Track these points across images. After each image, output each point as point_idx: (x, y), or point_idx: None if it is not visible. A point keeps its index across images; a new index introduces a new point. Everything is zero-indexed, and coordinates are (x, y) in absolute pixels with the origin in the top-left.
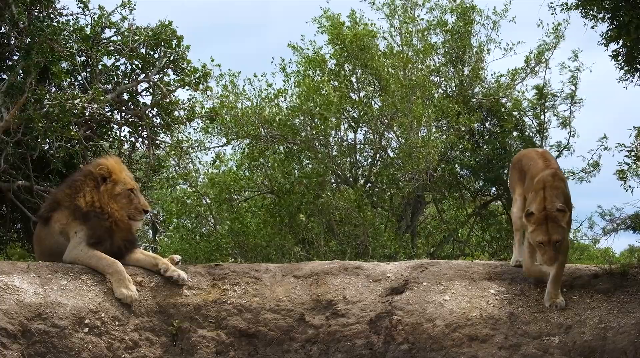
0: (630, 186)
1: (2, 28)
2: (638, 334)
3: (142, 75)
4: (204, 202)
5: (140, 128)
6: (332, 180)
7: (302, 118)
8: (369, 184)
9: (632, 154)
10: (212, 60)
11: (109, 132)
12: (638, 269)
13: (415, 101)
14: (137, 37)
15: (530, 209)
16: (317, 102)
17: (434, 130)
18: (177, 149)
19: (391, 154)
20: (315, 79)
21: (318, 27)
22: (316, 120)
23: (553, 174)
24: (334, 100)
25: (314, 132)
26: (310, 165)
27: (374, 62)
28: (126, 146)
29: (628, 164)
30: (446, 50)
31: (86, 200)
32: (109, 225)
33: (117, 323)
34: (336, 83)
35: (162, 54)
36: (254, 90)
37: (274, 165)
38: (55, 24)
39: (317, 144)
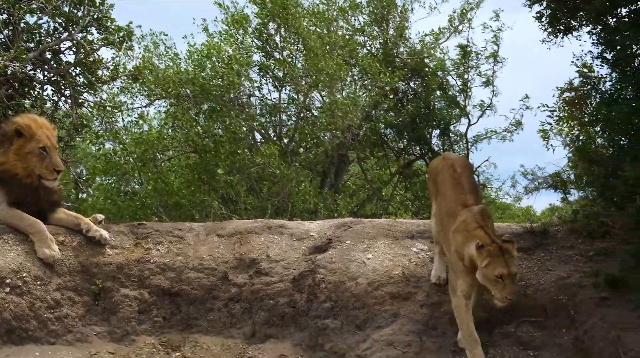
0: (552, 145)
1: None
2: (558, 291)
3: (65, 34)
4: (130, 160)
5: (63, 87)
6: (255, 138)
7: (222, 77)
8: (292, 143)
9: (554, 114)
10: (131, 23)
11: (31, 91)
12: (558, 228)
13: (335, 60)
14: None
15: (480, 242)
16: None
17: (357, 88)
18: (100, 108)
19: (315, 113)
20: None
21: None
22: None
23: (482, 211)
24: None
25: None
26: (232, 124)
27: (295, 22)
28: (49, 105)
29: (550, 124)
30: (371, 10)
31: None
32: (29, 185)
33: (39, 282)
34: (259, 42)
35: (85, 12)
36: (169, 49)
37: (195, 124)
38: None
39: (236, 104)
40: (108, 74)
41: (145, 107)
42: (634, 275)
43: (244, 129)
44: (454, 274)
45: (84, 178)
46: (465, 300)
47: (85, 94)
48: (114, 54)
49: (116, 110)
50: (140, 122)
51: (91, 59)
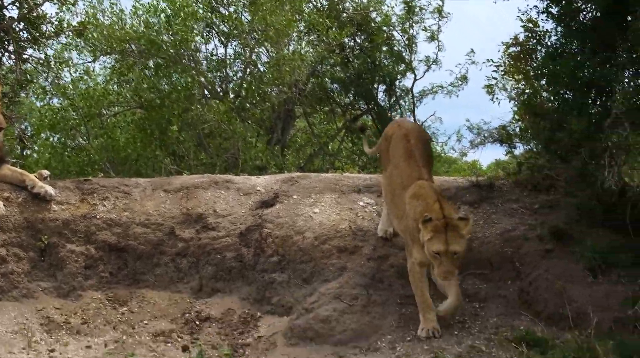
0: (497, 98)
1: None
2: (503, 244)
3: None
4: (74, 115)
5: (6, 42)
6: (204, 94)
7: (169, 33)
8: (239, 98)
9: (500, 69)
10: None
11: None
12: (504, 181)
13: (284, 15)
14: None
15: (429, 215)
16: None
17: (304, 44)
18: (45, 64)
19: (261, 69)
20: None
21: None
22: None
23: (440, 190)
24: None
25: (179, 46)
26: (181, 80)
27: None
28: None
29: (495, 79)
30: None
31: None
32: None
33: None
34: None
35: None
36: (114, 5)
37: (142, 80)
38: None
39: (184, 60)
40: (52, 29)
41: (90, 62)
42: (578, 228)
43: (191, 82)
44: (410, 240)
45: (29, 134)
46: (419, 267)
47: (30, 50)
48: (58, 9)
49: (61, 67)
50: (86, 77)
51: (35, 14)
